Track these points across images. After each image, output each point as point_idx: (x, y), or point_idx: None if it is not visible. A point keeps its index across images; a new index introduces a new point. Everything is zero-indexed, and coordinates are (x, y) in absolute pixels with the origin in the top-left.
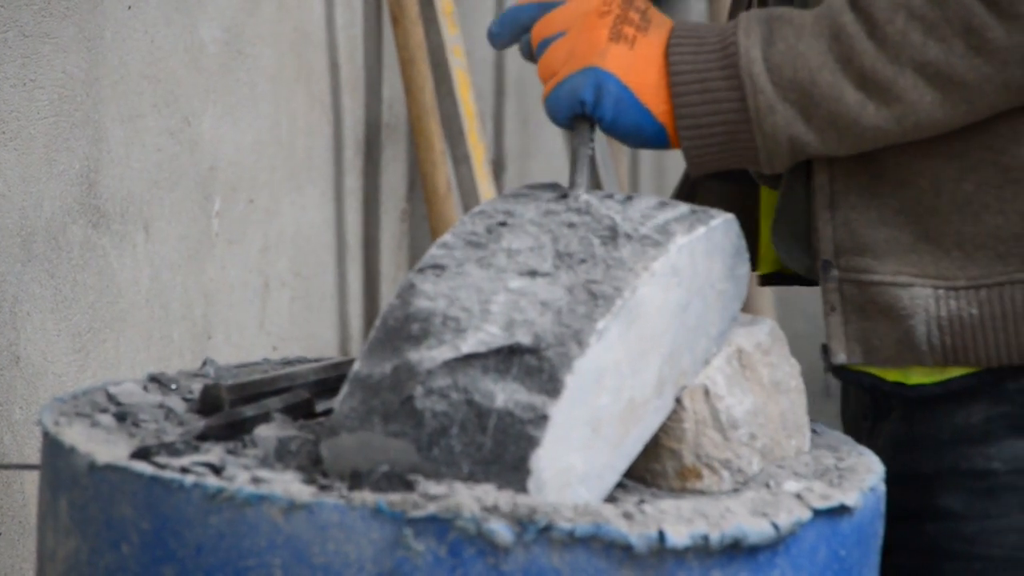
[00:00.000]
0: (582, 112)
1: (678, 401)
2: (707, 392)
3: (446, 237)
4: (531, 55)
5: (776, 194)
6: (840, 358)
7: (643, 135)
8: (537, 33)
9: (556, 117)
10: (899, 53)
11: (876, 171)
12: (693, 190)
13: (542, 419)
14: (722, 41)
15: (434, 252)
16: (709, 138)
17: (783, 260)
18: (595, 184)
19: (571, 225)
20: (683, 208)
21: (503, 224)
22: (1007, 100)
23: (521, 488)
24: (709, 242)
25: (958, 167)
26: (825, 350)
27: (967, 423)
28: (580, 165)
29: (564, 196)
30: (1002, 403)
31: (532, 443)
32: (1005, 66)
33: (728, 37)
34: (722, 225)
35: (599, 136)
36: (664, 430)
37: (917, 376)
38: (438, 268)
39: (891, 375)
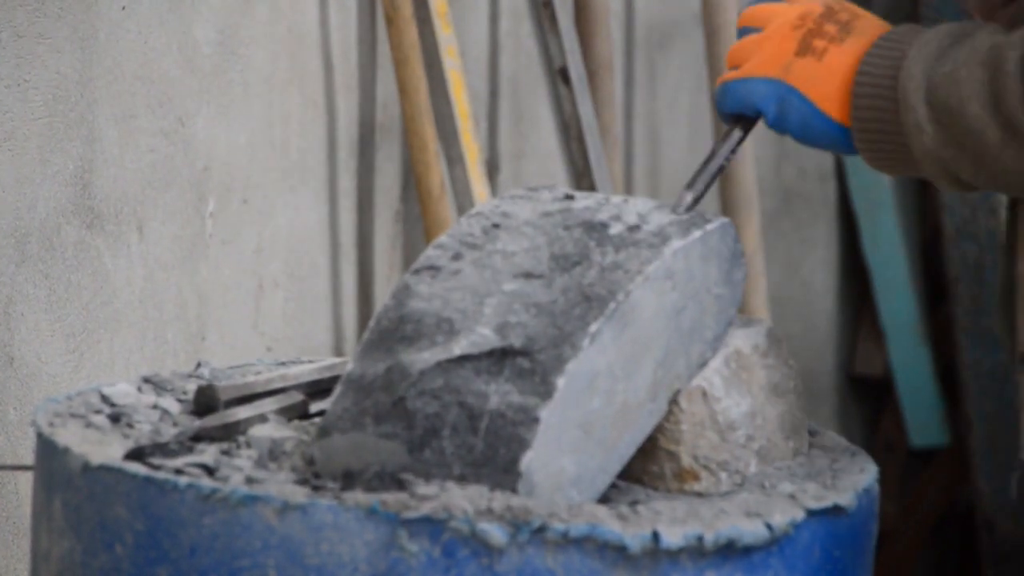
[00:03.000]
0: (748, 115)
1: (676, 403)
2: (705, 394)
3: (442, 238)
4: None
5: None
6: None
7: (834, 144)
8: (743, 18)
9: (722, 107)
10: None
11: None
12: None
13: (533, 421)
14: (904, 52)
15: (430, 253)
16: (881, 152)
17: (1001, 340)
18: (584, 169)
19: (567, 227)
20: None
21: (499, 226)
22: None
23: (512, 490)
24: (705, 246)
25: None
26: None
27: None
28: (705, 171)
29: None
30: None
31: (523, 445)
32: None
33: (908, 49)
34: (718, 229)
35: (590, 134)
36: (662, 432)
37: None
38: (433, 269)
39: None
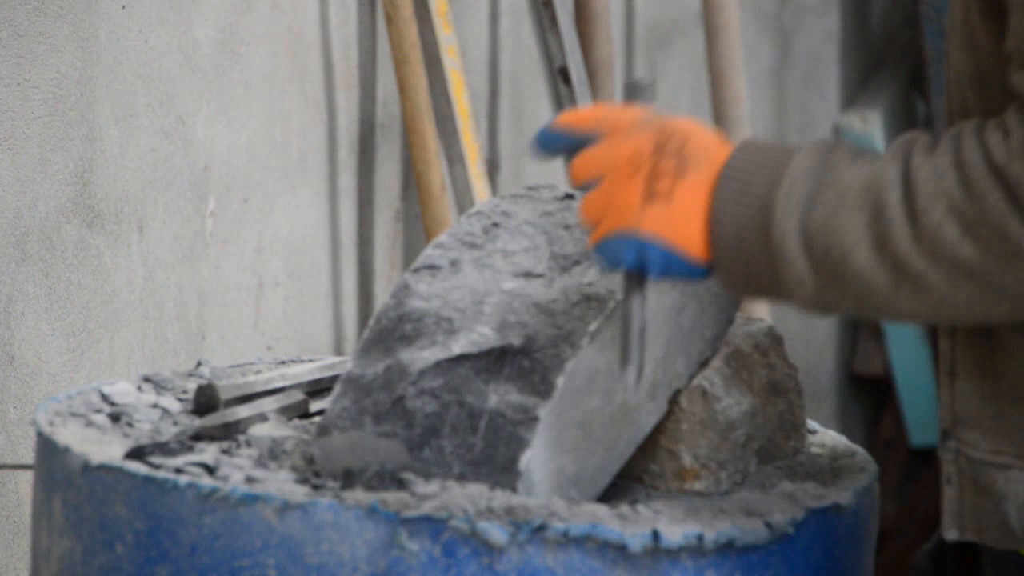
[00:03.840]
0: (627, 270)
1: (676, 402)
2: (705, 393)
3: (442, 237)
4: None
5: None
6: (951, 534)
7: (696, 280)
8: (576, 173)
9: (604, 268)
10: (933, 246)
11: (995, 343)
12: None
13: (533, 420)
14: (766, 194)
15: (430, 252)
16: (746, 289)
17: None
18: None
19: (567, 227)
20: None
21: (499, 225)
22: None
23: (511, 490)
24: None
25: None
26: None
27: None
28: (631, 339)
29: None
30: None
31: (522, 444)
32: None
33: (771, 192)
34: None
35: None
36: (662, 431)
37: None
38: (433, 268)
39: None
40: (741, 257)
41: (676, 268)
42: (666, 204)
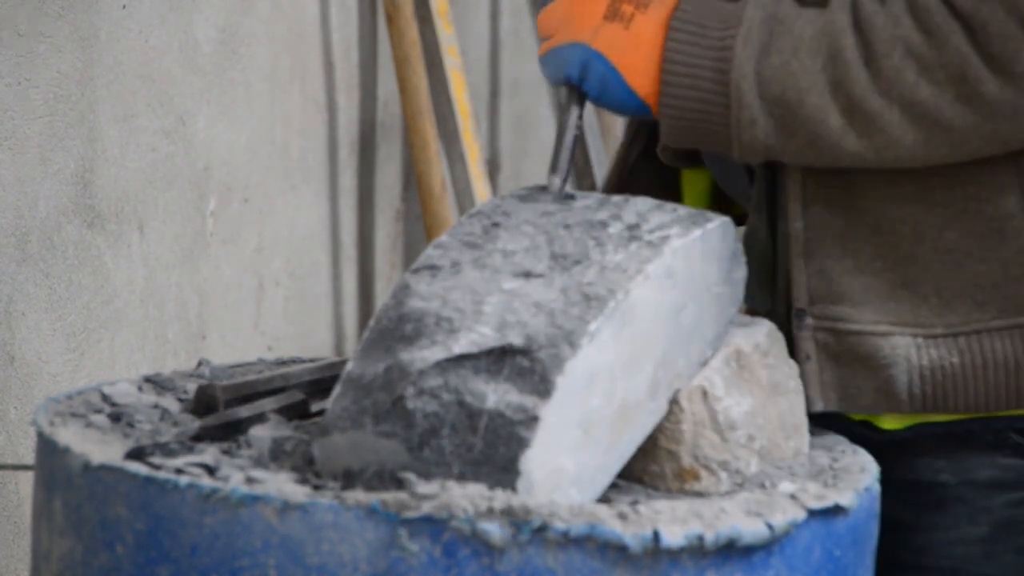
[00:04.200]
0: (570, 83)
1: (676, 402)
2: (705, 393)
3: (442, 238)
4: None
5: (701, 176)
6: (817, 406)
7: (626, 111)
8: None
9: (549, 80)
10: (891, 88)
11: (853, 218)
12: (629, 172)
13: (533, 420)
14: (721, 39)
15: (430, 252)
16: (689, 129)
17: (745, 299)
18: (584, 169)
19: (567, 226)
20: (680, 210)
21: (499, 225)
22: (990, 149)
23: (511, 489)
24: (705, 245)
25: (941, 215)
26: None
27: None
28: (562, 150)
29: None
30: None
31: (522, 444)
32: (993, 117)
33: (727, 38)
34: (719, 228)
35: (591, 134)
36: (662, 431)
37: (889, 422)
38: (433, 268)
39: (858, 417)
40: (694, 97)
41: (613, 91)
42: (624, 27)
